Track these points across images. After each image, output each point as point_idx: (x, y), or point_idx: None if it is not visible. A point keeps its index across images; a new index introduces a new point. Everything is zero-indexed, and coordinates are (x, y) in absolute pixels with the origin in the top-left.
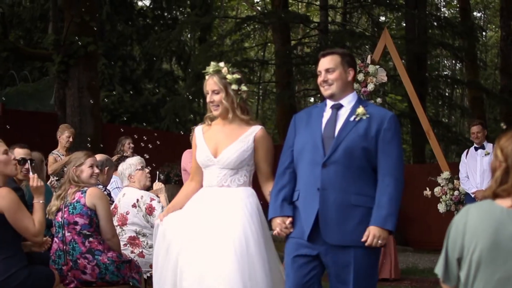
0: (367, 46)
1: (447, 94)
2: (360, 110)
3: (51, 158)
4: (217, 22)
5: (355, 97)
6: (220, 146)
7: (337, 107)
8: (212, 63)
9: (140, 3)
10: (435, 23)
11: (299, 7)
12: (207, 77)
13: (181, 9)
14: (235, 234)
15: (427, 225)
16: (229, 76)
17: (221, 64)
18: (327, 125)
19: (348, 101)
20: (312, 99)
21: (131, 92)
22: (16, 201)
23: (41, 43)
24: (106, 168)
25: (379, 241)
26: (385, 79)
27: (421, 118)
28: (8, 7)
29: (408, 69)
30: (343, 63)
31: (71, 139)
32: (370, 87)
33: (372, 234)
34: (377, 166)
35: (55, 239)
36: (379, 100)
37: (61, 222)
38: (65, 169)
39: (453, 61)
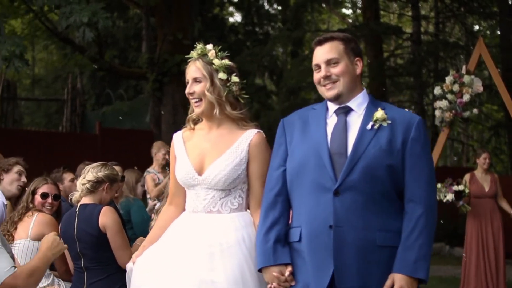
0: (461, 56)
1: None
2: (380, 114)
3: (148, 177)
4: (309, 36)
5: (366, 96)
6: (207, 159)
7: (345, 111)
8: (199, 46)
9: (231, 19)
10: None
11: (391, 18)
12: (189, 63)
13: (272, 24)
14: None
15: None
16: (216, 61)
17: (209, 46)
18: (334, 136)
19: (358, 103)
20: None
21: None
22: (118, 221)
23: (136, 62)
24: None
25: None
26: (481, 89)
27: None
28: (104, 28)
29: (503, 78)
30: (347, 52)
31: (167, 157)
32: (466, 97)
33: (398, 286)
34: (404, 190)
35: None
36: (475, 110)
37: None
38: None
39: None
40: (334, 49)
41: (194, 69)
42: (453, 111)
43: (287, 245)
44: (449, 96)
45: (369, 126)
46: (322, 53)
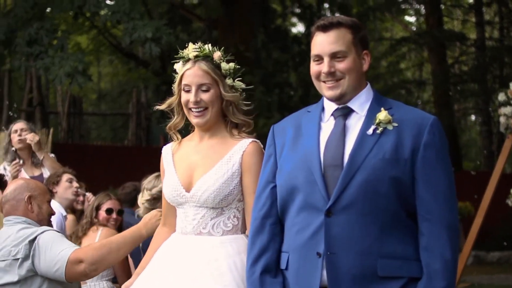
0: None
1: None
2: (383, 115)
3: None
4: (372, 44)
5: (371, 93)
6: (196, 173)
7: (344, 113)
8: (193, 45)
9: (294, 30)
10: None
11: (455, 24)
12: (185, 65)
13: None
14: None
15: None
16: (224, 65)
17: (209, 46)
18: (329, 144)
19: (360, 103)
20: (473, 117)
21: None
22: None
23: None
24: None
25: None
26: None
27: None
28: (167, 43)
29: None
30: (356, 43)
31: None
32: None
33: None
34: (417, 207)
35: None
36: None
37: None
38: None
39: None
40: (341, 40)
41: (200, 74)
42: None
43: (280, 273)
44: None
45: (370, 131)
46: (326, 43)
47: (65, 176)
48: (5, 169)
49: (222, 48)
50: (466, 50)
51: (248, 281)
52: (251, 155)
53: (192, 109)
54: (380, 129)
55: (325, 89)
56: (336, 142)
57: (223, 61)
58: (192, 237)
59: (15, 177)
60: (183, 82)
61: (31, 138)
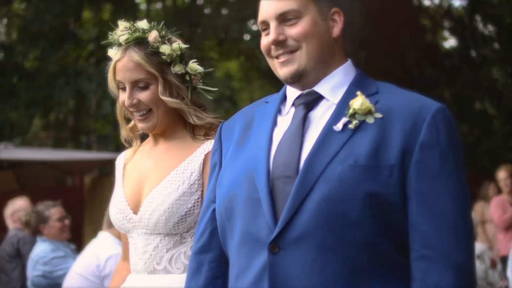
0: None
1: None
2: (359, 103)
3: None
4: None
5: (350, 73)
6: (146, 187)
7: (308, 101)
8: (124, 24)
9: (446, 45)
10: None
11: None
12: (116, 52)
13: (490, 45)
14: None
15: None
16: (165, 48)
17: (144, 23)
18: (281, 146)
19: (333, 86)
20: None
21: None
22: None
23: None
24: None
25: None
26: None
27: None
28: None
29: None
30: None
31: None
32: None
33: None
34: (410, 239)
35: None
36: None
37: None
38: None
39: None
40: None
41: (131, 67)
42: None
43: None
44: None
45: (339, 126)
46: (272, 2)
47: None
48: None
49: (162, 23)
50: None
51: None
52: None
53: (135, 114)
54: (355, 122)
55: (279, 66)
56: (290, 143)
57: (164, 42)
58: (144, 277)
59: None
60: (116, 77)
61: None
